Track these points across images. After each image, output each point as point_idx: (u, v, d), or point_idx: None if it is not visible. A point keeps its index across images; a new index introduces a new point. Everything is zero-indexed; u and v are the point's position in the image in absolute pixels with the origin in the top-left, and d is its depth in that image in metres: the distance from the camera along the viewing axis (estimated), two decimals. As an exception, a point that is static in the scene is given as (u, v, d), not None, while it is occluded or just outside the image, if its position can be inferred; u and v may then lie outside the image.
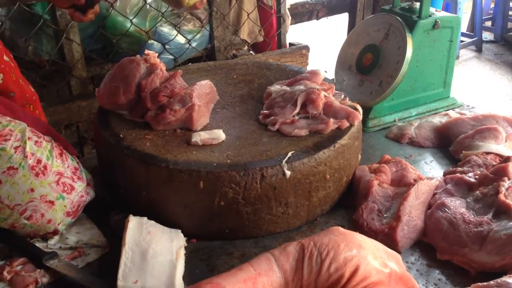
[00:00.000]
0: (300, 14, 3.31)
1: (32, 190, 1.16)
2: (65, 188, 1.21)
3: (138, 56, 1.42)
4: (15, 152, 1.15)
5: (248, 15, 2.50)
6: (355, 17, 3.10)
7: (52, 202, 1.18)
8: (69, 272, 1.11)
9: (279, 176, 1.20)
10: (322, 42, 5.18)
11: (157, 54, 1.43)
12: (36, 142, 1.19)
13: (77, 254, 1.19)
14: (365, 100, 1.77)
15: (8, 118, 1.20)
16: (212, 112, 1.46)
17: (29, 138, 1.18)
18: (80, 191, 1.25)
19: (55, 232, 1.22)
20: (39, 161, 1.18)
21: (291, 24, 2.99)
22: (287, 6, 2.86)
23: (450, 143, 1.63)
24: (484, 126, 1.58)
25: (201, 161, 1.21)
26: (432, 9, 1.80)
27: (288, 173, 1.20)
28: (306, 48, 2.55)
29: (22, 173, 1.15)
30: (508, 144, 1.53)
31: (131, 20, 2.03)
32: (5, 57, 1.38)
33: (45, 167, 1.18)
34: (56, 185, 1.20)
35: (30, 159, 1.16)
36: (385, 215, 1.28)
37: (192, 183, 1.18)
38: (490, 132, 1.55)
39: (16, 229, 1.18)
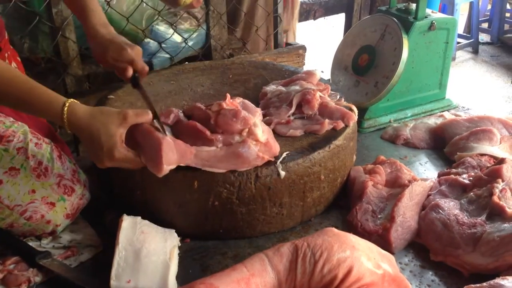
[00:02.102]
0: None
1: (34, 191, 1.16)
2: (66, 190, 1.21)
3: None
4: (18, 153, 1.14)
5: (245, 14, 2.50)
6: (352, 17, 3.10)
7: (53, 204, 1.18)
8: (62, 271, 1.11)
9: (274, 176, 1.20)
10: (319, 42, 5.18)
11: None
12: (36, 144, 1.19)
13: (70, 253, 1.18)
14: (361, 100, 1.77)
15: (11, 119, 1.20)
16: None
17: (30, 140, 1.17)
18: (79, 193, 1.25)
19: (52, 233, 1.22)
20: (40, 163, 1.17)
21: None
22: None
23: (445, 145, 1.64)
24: (479, 128, 1.59)
25: (196, 161, 1.20)
26: (428, 11, 1.80)
27: (282, 173, 1.20)
28: (303, 48, 2.55)
29: (24, 174, 1.14)
30: (503, 146, 1.53)
31: (127, 18, 2.02)
32: (13, 63, 1.36)
33: (46, 169, 1.18)
34: (57, 187, 1.19)
35: (32, 160, 1.16)
36: (379, 216, 1.28)
37: (186, 183, 1.17)
38: (485, 134, 1.56)
39: (13, 229, 1.18)
